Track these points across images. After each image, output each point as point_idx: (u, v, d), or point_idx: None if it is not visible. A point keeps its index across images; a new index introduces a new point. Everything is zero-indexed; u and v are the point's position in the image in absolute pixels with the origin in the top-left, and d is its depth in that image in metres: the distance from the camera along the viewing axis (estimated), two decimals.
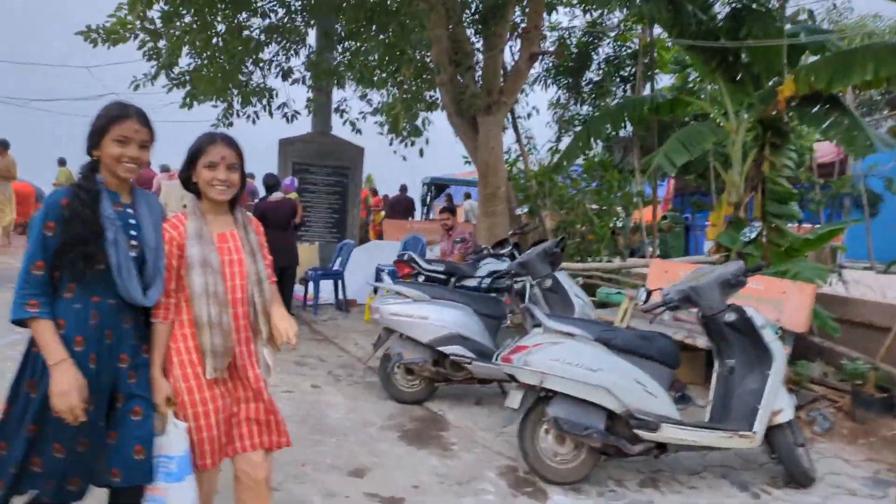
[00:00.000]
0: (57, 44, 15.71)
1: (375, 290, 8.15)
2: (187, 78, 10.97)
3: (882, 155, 7.09)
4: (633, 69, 11.90)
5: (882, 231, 10.57)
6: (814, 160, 11.07)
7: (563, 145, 11.81)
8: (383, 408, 4.69)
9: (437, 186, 14.45)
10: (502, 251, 6.60)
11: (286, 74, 9.89)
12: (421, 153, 9.71)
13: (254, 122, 11.15)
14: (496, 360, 3.79)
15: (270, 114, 10.07)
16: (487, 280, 6.62)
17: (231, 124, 11.32)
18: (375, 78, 10.60)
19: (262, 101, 10.04)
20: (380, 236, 13.41)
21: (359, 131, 11.87)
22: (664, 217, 13.63)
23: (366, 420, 4.40)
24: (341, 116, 11.34)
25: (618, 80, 12.10)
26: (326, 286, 8.50)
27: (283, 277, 7.46)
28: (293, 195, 7.96)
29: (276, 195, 7.40)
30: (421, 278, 6.31)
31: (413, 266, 6.26)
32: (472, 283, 6.58)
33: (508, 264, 6.69)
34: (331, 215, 11.49)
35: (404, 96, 10.08)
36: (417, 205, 19.09)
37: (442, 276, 6.42)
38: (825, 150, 11.67)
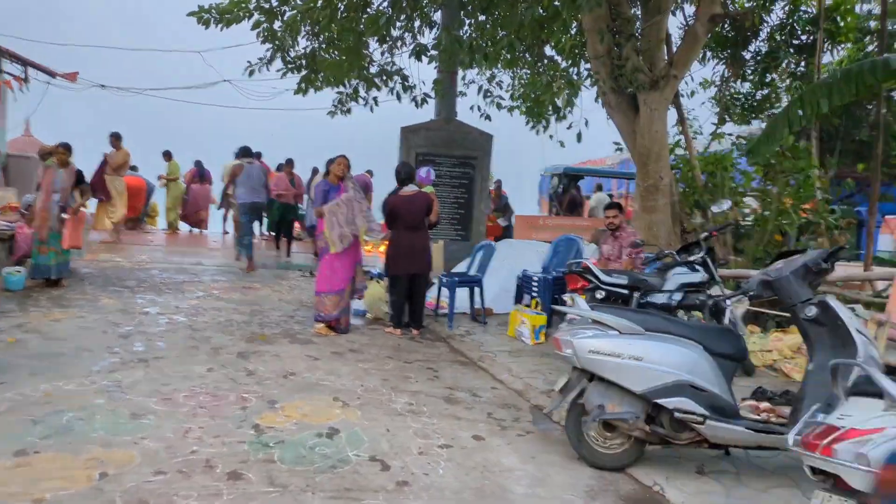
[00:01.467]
0: (167, 28, 15.65)
1: (519, 299, 7.00)
2: (303, 62, 10.27)
3: None
4: (810, 37, 9.97)
5: None
6: None
7: (727, 128, 10.12)
8: (576, 477, 3.46)
9: (572, 177, 12.97)
10: (691, 257, 5.19)
11: (420, 53, 8.78)
12: (579, 138, 8.37)
13: (372, 108, 10.28)
14: (793, 443, 2.46)
15: (398, 97, 9.08)
16: (678, 296, 5.25)
17: (349, 111, 10.50)
18: (508, 55, 9.35)
19: (390, 83, 9.04)
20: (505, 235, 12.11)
21: (488, 117, 10.76)
22: (831, 211, 11.53)
23: (561, 498, 3.20)
24: (485, 97, 10.19)
25: (792, 51, 10.18)
26: (460, 293, 7.40)
27: (415, 285, 6.45)
28: (429, 189, 6.91)
29: (410, 188, 6.35)
30: (599, 294, 5.03)
31: (589, 279, 4.99)
32: (660, 298, 5.23)
33: (700, 273, 5.30)
34: (456, 211, 10.40)
35: (551, 73, 8.73)
36: (533, 197, 17.65)
37: (624, 292, 5.11)
38: None
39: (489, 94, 10.83)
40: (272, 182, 11.48)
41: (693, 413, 3.32)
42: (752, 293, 3.62)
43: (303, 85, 10.12)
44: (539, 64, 10.58)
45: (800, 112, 6.15)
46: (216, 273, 9.52)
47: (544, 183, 25.58)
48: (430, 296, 7.25)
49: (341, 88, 10.12)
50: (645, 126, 7.70)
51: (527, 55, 10.48)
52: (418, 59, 8.95)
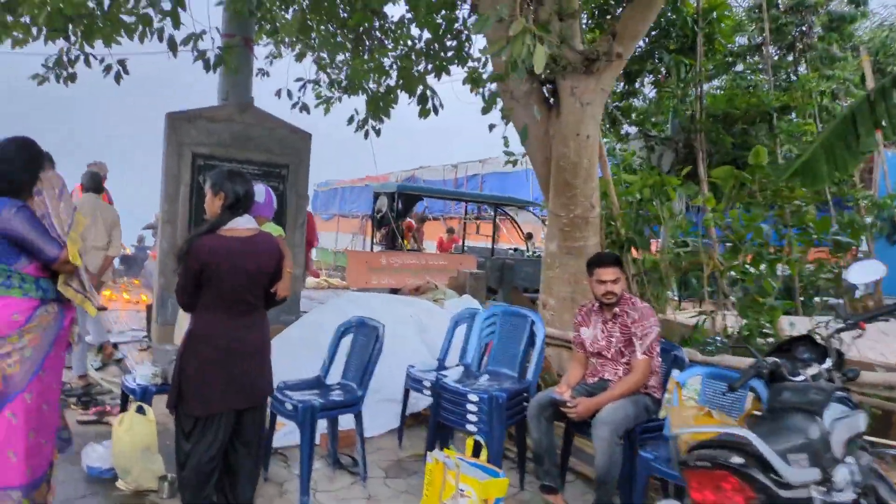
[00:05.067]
0: None
1: (405, 408, 3.77)
2: None
3: None
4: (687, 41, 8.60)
5: None
6: None
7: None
8: None
9: (407, 197, 9.99)
10: (810, 370, 2.70)
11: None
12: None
13: (119, 75, 6.32)
14: None
15: (172, 45, 5.41)
16: None
17: (72, 77, 6.37)
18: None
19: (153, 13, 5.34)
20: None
21: (304, 108, 7.45)
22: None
23: None
24: (299, 84, 6.79)
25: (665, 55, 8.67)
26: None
27: (242, 430, 3.07)
28: (272, 228, 3.54)
29: (242, 222, 2.93)
30: None
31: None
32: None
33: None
34: None
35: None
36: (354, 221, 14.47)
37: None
38: None
39: (306, 79, 7.54)
40: None
41: None
42: None
43: None
44: (363, 43, 7.63)
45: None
46: None
47: (319, 199, 22.03)
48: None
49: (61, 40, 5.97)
50: (568, 127, 5.22)
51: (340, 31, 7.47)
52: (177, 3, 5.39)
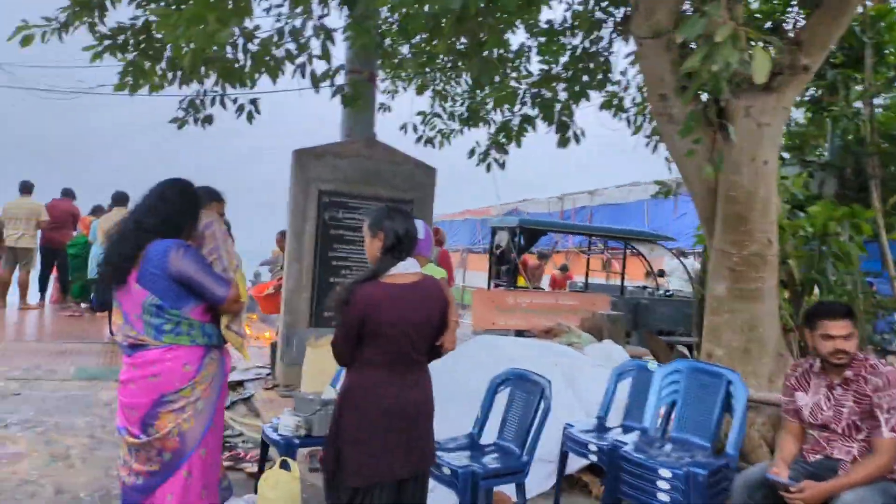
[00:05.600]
0: None
1: (563, 470, 3.22)
2: (129, 38, 6.11)
3: None
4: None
5: None
6: None
7: None
8: None
9: (530, 232, 9.53)
10: None
11: (327, 33, 5.05)
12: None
13: (251, 116, 6.32)
14: None
15: (314, 80, 5.28)
16: None
17: (208, 119, 6.43)
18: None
19: (296, 52, 5.23)
20: None
21: (430, 142, 7.20)
22: None
23: None
24: (422, 118, 6.54)
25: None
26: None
27: (407, 491, 2.63)
28: (434, 269, 3.18)
29: (405, 266, 2.53)
30: None
31: None
32: None
33: None
34: None
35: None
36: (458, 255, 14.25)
37: None
38: None
39: (431, 114, 7.30)
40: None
41: None
42: None
43: (129, 76, 5.93)
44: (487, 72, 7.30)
45: None
46: None
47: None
48: None
49: (196, 84, 6.02)
50: (742, 152, 4.55)
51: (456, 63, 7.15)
52: (326, 38, 5.24)
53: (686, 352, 6.90)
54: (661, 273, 10.47)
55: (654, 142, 5.89)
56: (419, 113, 7.59)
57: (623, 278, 9.70)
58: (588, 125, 6.48)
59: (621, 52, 5.94)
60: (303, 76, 5.22)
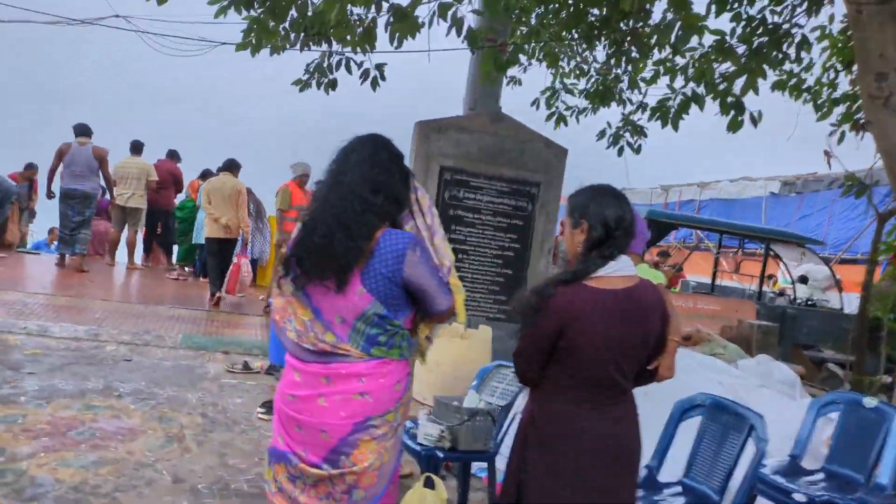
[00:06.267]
0: None
1: None
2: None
3: None
4: None
5: None
6: None
7: None
8: None
9: (661, 225, 8.79)
10: None
11: None
12: None
13: (377, 81, 5.92)
14: None
15: (459, 31, 4.83)
16: None
17: (333, 84, 6.08)
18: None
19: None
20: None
21: (562, 120, 6.60)
22: None
23: None
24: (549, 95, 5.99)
25: None
26: None
27: None
28: (649, 271, 2.65)
29: (616, 267, 1.99)
30: None
31: None
32: None
33: None
34: (500, 270, 6.11)
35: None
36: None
37: None
38: None
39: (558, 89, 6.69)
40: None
41: None
42: None
43: (252, 36, 5.63)
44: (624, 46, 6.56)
45: None
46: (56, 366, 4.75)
47: None
48: None
49: (324, 44, 5.65)
50: None
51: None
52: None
53: (838, 371, 6.06)
54: (804, 279, 9.39)
55: (841, 132, 5.04)
56: (546, 89, 6.98)
57: (762, 283, 8.76)
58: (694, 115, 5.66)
59: (807, 26, 5.05)
60: (458, 34, 4.70)
